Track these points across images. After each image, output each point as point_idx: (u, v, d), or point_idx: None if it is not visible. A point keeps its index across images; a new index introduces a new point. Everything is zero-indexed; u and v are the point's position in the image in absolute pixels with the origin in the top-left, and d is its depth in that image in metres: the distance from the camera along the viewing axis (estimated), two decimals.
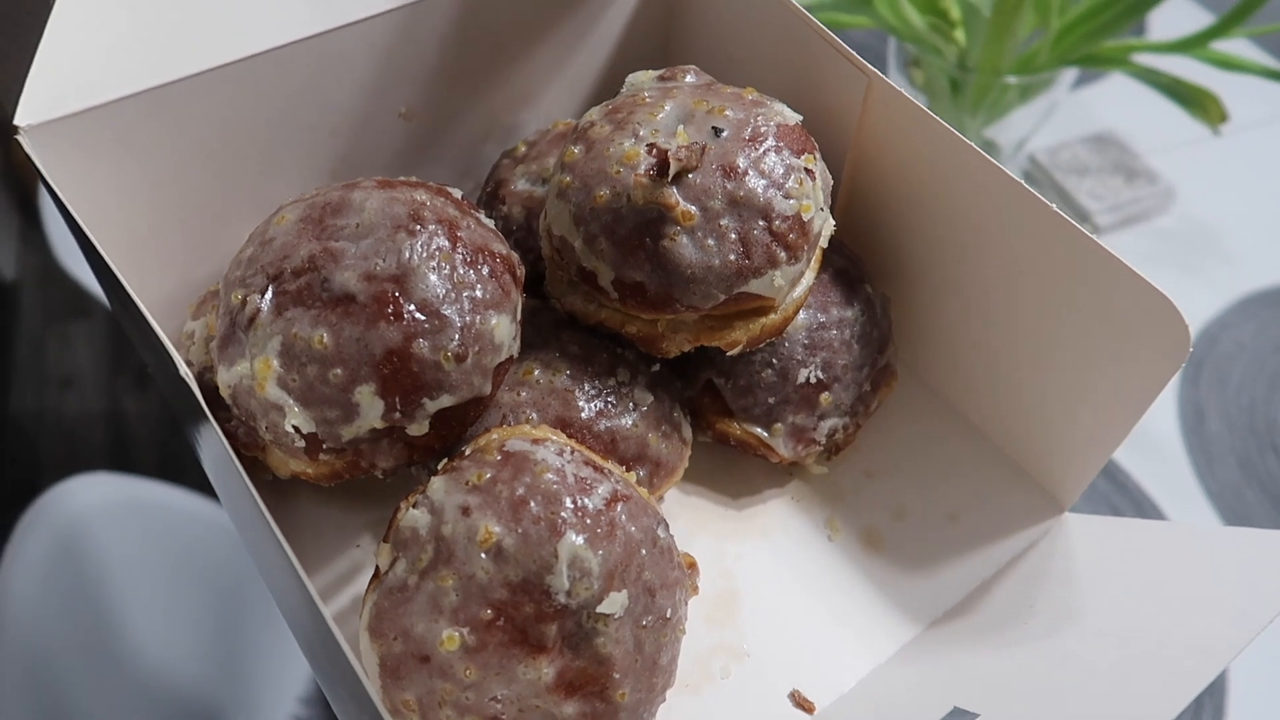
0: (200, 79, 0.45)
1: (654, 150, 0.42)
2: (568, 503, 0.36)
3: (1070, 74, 0.70)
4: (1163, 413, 0.65)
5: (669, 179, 0.41)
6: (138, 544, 0.57)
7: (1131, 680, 0.36)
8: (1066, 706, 0.36)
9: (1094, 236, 0.41)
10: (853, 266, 0.50)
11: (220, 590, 0.55)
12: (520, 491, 0.36)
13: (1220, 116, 0.63)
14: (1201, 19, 0.83)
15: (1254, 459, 0.63)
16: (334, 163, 0.51)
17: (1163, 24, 0.89)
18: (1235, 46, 0.83)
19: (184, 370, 0.36)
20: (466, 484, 0.37)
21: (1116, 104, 0.83)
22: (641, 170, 0.42)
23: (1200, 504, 0.62)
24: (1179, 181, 0.77)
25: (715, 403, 0.49)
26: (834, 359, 0.48)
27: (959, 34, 0.68)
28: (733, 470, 0.51)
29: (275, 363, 0.38)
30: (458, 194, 0.44)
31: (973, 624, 0.45)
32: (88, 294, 0.68)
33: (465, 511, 0.36)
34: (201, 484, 0.59)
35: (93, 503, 0.58)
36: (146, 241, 0.48)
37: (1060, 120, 0.81)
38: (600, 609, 0.36)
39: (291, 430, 0.38)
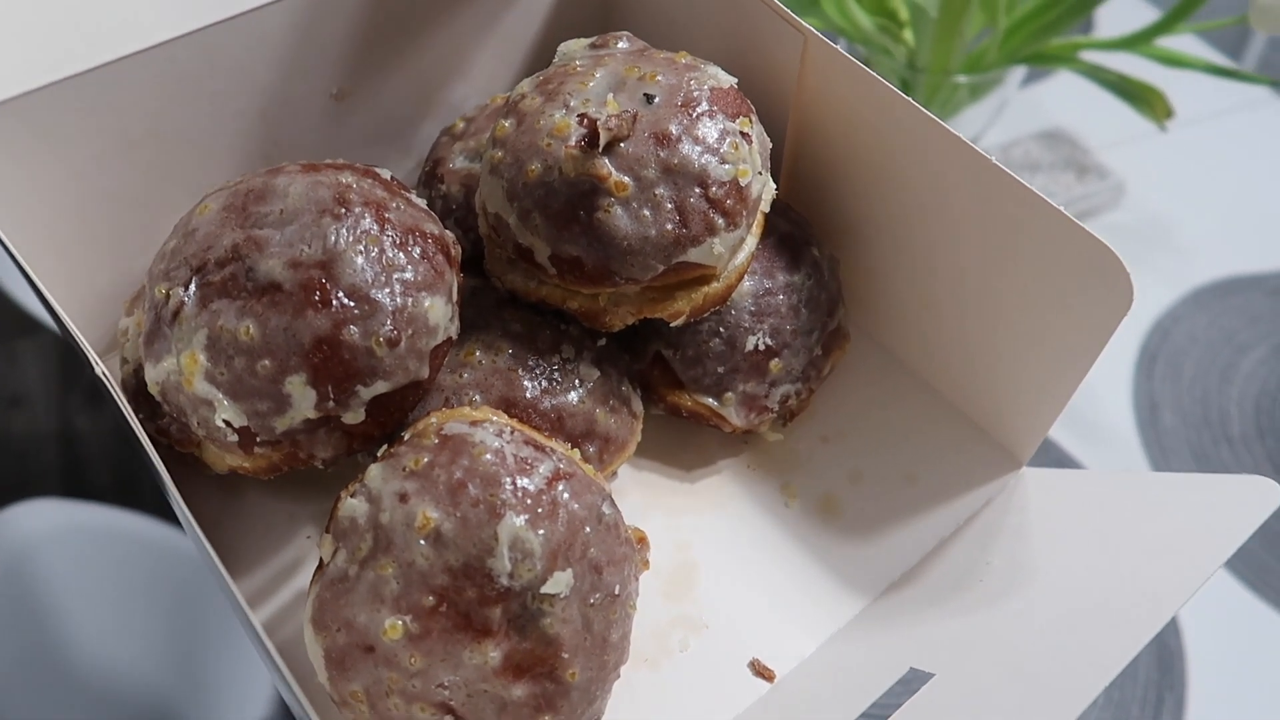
0: (119, 65, 0.43)
1: (584, 120, 0.41)
2: (507, 484, 0.36)
3: (1019, 72, 0.70)
4: (1118, 406, 0.66)
5: (600, 149, 0.40)
6: (91, 571, 0.55)
7: (1081, 632, 0.36)
8: (1018, 662, 0.36)
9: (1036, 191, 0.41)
10: (798, 230, 0.50)
11: (178, 618, 0.54)
12: (458, 475, 0.36)
13: (1166, 113, 0.64)
14: (1148, 15, 0.83)
15: (1208, 451, 0.63)
16: (267, 147, 0.50)
17: (1110, 21, 0.90)
18: (1181, 43, 0.83)
19: (101, 369, 0.35)
20: (404, 470, 0.36)
21: (1066, 101, 0.83)
22: (572, 142, 0.41)
23: None
24: (1129, 177, 0.78)
25: (665, 375, 0.48)
26: (782, 325, 0.47)
27: (907, 34, 0.67)
28: (686, 442, 0.51)
29: (202, 357, 0.37)
30: (386, 174, 0.43)
31: (930, 585, 0.45)
32: (31, 314, 0.66)
33: (403, 498, 0.35)
34: (158, 507, 0.58)
35: (42, 528, 0.57)
36: (75, 238, 0.46)
37: (1011, 118, 0.81)
38: (545, 589, 0.35)
39: (223, 425, 0.37)
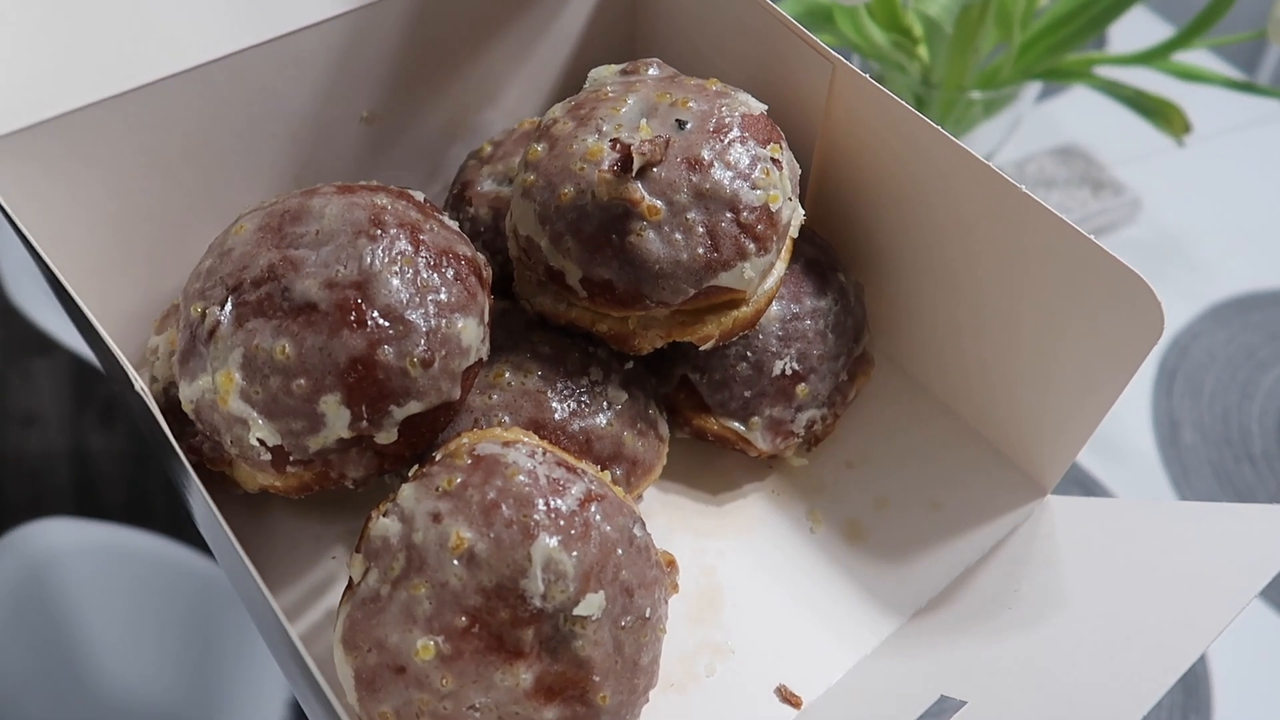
0: (156, 87, 0.44)
1: (617, 145, 0.41)
2: (540, 505, 0.36)
3: (1034, 88, 0.70)
4: (1138, 425, 0.65)
5: (633, 174, 0.41)
6: (105, 590, 0.55)
7: (1116, 661, 0.35)
8: (1052, 690, 0.36)
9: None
10: (824, 255, 0.50)
11: (190, 635, 0.54)
12: (491, 495, 0.36)
13: (1184, 127, 0.63)
14: (1162, 31, 0.83)
15: (1229, 469, 0.63)
16: (297, 169, 0.51)
17: (1123, 37, 0.90)
18: (1196, 58, 0.83)
19: (140, 385, 0.35)
20: (437, 490, 0.36)
21: (1081, 116, 0.83)
22: (605, 166, 0.41)
23: None
24: (1145, 192, 0.77)
25: (691, 398, 0.48)
26: (809, 349, 0.47)
27: (922, 50, 0.68)
28: (711, 466, 0.51)
29: (237, 375, 0.37)
30: (420, 196, 0.43)
31: (957, 612, 0.45)
32: (46, 333, 0.66)
33: (436, 518, 0.35)
34: (171, 527, 0.58)
35: (57, 546, 0.57)
36: (106, 257, 0.47)
37: (1026, 134, 0.81)
38: (577, 611, 0.35)
39: (257, 443, 0.37)
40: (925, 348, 0.53)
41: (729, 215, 0.41)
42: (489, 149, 0.54)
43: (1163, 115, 0.64)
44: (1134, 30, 0.88)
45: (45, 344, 0.66)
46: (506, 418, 0.43)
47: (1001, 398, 0.50)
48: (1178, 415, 0.65)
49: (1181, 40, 0.64)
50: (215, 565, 0.56)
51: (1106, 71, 0.69)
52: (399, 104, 0.52)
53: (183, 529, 0.58)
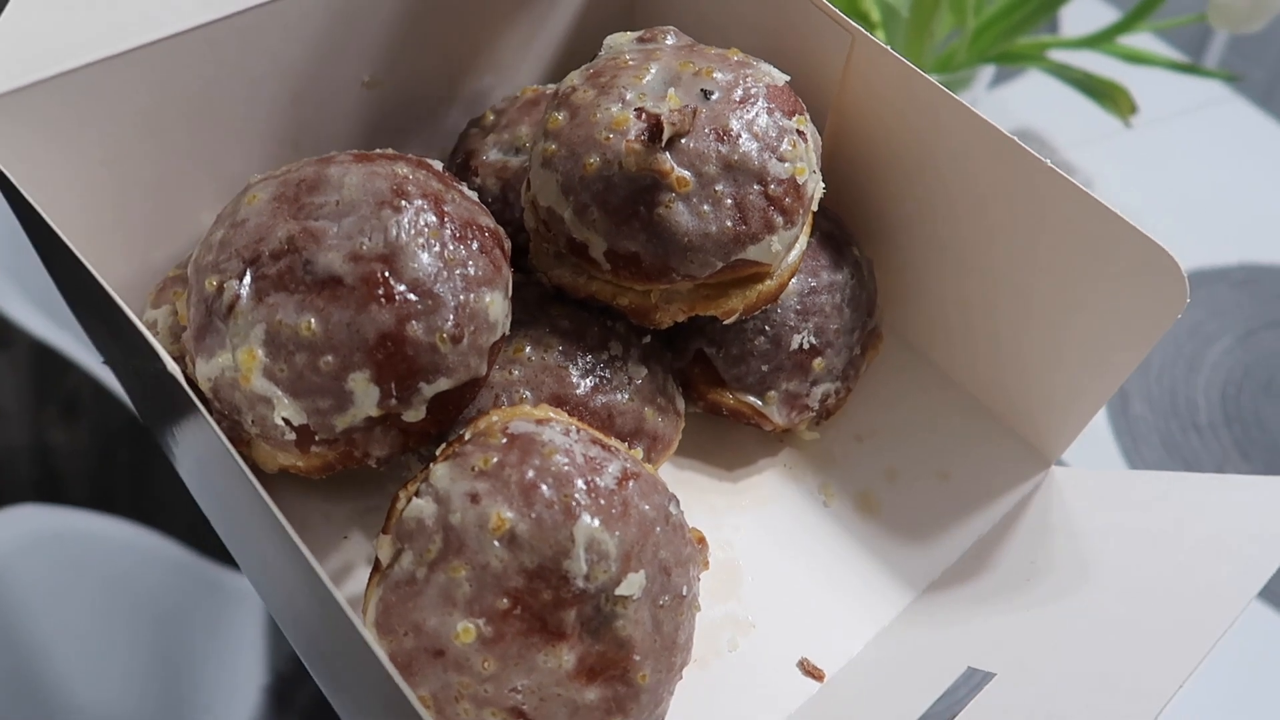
0: (155, 48, 0.41)
1: (644, 115, 0.40)
2: (580, 484, 0.35)
3: (988, 73, 0.72)
4: None
5: (662, 144, 0.40)
6: (67, 578, 0.53)
7: (1147, 633, 0.36)
8: (1084, 663, 0.37)
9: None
10: (838, 229, 0.50)
11: (159, 623, 0.52)
12: (530, 475, 0.35)
13: (1130, 109, 0.65)
14: (1113, 16, 0.86)
15: (1177, 439, 0.65)
16: (296, 134, 0.49)
17: (1074, 22, 0.92)
18: (1143, 41, 0.86)
19: (171, 365, 0.33)
20: (473, 470, 0.35)
21: (1033, 102, 0.85)
22: (632, 135, 0.40)
23: None
24: (1096, 174, 0.79)
25: (706, 373, 0.48)
26: (826, 324, 0.47)
27: (879, 35, 0.68)
28: (723, 440, 0.50)
29: (260, 352, 0.36)
30: (438, 166, 0.42)
31: (974, 583, 0.45)
32: (7, 322, 0.63)
33: (474, 499, 0.35)
34: (135, 512, 0.55)
35: (18, 536, 0.54)
36: (97, 224, 0.44)
37: None
38: (619, 591, 0.35)
39: (281, 423, 0.36)
40: (933, 321, 0.53)
41: (757, 188, 0.41)
42: (491, 117, 0.53)
43: (1109, 97, 0.66)
44: (1086, 15, 0.91)
45: (3, 336, 0.63)
46: (528, 393, 0.42)
47: (1010, 370, 0.50)
48: (1127, 387, 0.68)
49: (1126, 24, 0.67)
50: (185, 550, 0.54)
51: (1057, 55, 0.71)
52: (400, 68, 0.51)
53: (152, 515, 0.56)
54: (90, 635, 0.52)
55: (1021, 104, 0.85)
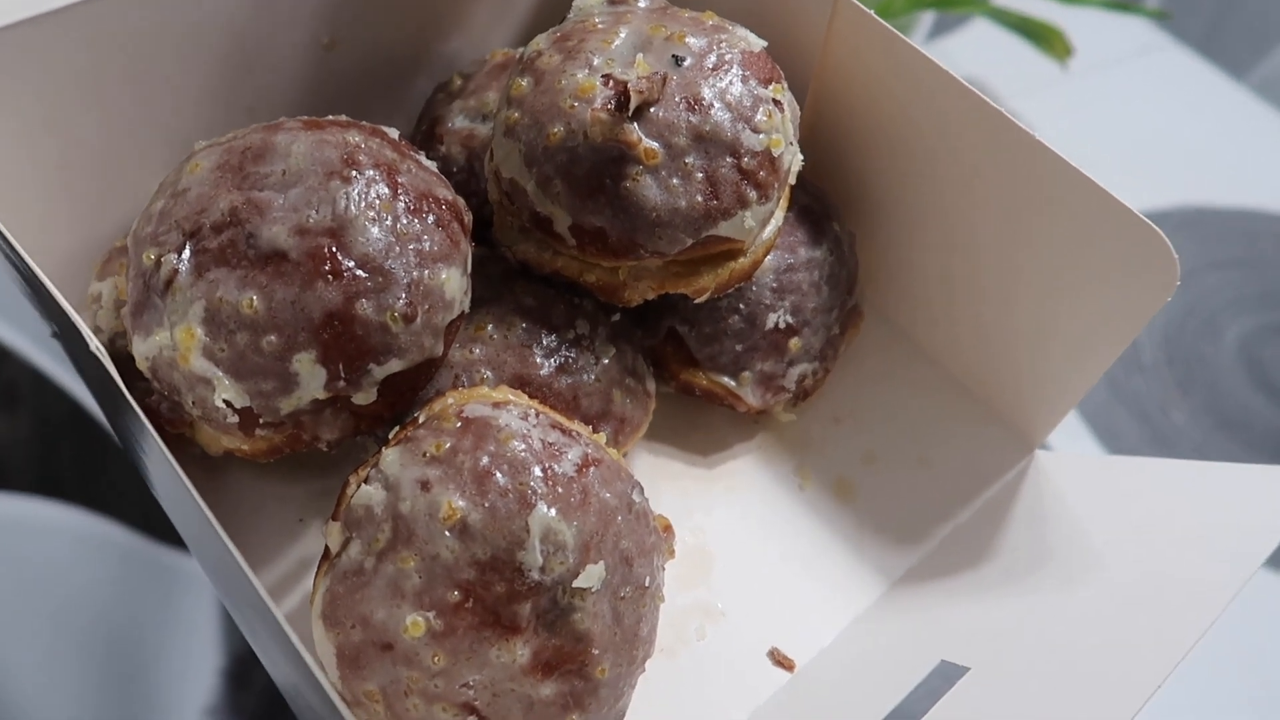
0: (94, 4, 0.39)
1: (611, 82, 0.38)
2: (536, 471, 0.33)
3: (928, 22, 0.72)
4: None
5: (629, 113, 0.38)
6: (11, 567, 0.51)
7: (1131, 629, 0.35)
8: (1066, 657, 0.35)
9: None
10: (817, 203, 0.48)
11: (110, 608, 0.50)
12: (484, 461, 0.33)
13: (1066, 51, 0.66)
14: None
15: (1121, 380, 0.66)
16: (251, 100, 0.46)
17: None
18: None
19: (95, 344, 0.31)
20: (424, 455, 0.34)
21: (975, 53, 0.86)
22: (598, 104, 0.38)
23: (1075, 424, 0.64)
24: (1038, 122, 0.80)
25: (679, 352, 0.46)
26: (803, 302, 0.45)
27: None
28: (696, 422, 0.49)
29: (199, 331, 0.34)
30: (394, 134, 0.40)
31: (950, 571, 0.44)
32: None
33: (425, 486, 0.33)
34: (83, 498, 0.53)
35: None
36: (40, 194, 0.42)
37: None
38: (577, 583, 0.33)
39: (222, 405, 0.34)
40: (915, 299, 0.51)
41: (730, 160, 0.39)
42: (459, 82, 0.50)
43: (1046, 39, 0.66)
44: None
45: None
46: (489, 373, 0.40)
47: (995, 352, 0.48)
48: None
49: None
50: (135, 536, 0.53)
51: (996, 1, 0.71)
52: (362, 30, 0.48)
53: (101, 501, 0.54)
54: (40, 625, 0.50)
55: (963, 55, 0.86)
